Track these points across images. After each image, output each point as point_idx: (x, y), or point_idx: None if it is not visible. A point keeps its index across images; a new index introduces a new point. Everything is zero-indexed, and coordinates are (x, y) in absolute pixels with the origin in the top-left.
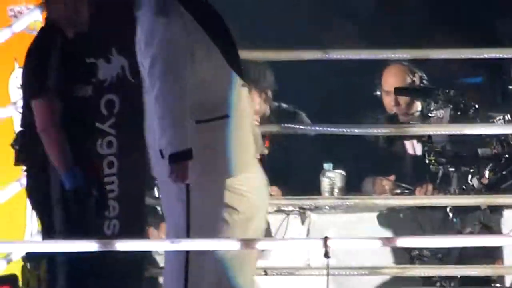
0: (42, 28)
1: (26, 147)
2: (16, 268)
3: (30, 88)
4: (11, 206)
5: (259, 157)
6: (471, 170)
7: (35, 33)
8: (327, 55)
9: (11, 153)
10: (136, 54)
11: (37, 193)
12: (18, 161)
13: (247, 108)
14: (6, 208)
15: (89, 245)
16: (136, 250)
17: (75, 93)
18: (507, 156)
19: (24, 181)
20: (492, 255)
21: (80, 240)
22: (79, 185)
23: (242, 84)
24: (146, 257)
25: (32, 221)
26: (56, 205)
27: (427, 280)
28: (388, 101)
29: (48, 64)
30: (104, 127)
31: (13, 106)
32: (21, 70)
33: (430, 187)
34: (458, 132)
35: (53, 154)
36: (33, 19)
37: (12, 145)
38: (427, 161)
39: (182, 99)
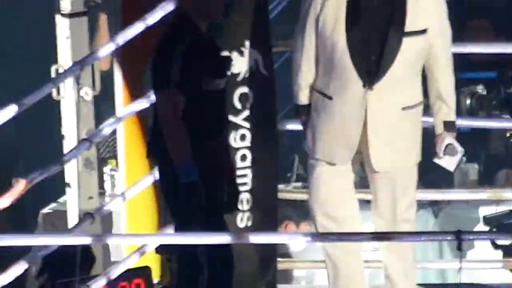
0: (171, 21)
1: (156, 140)
2: (149, 261)
3: (154, 80)
4: (144, 198)
5: None
6: None
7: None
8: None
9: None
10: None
11: (168, 185)
12: (149, 154)
13: None
14: (140, 200)
15: (222, 238)
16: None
17: (206, 86)
18: None
19: (157, 173)
20: None
21: (212, 232)
22: (194, 180)
23: None
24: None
25: (164, 214)
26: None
27: None
28: None
29: (174, 57)
30: (237, 120)
31: (147, 99)
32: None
33: None
34: None
35: (171, 146)
36: (166, 11)
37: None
38: None
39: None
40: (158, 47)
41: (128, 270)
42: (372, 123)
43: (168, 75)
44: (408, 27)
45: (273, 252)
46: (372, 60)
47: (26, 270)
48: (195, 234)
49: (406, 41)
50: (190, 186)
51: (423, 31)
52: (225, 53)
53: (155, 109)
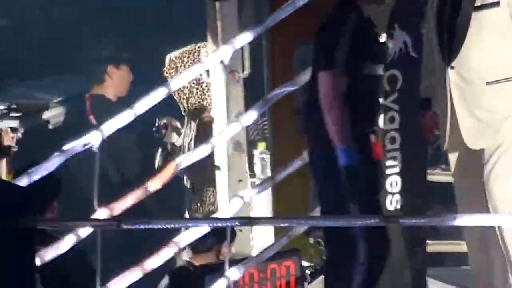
0: (339, 3)
1: (309, 119)
2: (298, 244)
3: (320, 61)
4: (294, 181)
5: None
6: None
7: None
8: None
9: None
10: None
11: (326, 168)
12: (300, 131)
13: None
14: (289, 183)
15: (372, 221)
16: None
17: (366, 71)
18: None
19: (305, 156)
20: None
21: (362, 215)
22: (354, 163)
23: None
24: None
25: (313, 196)
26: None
27: None
28: None
29: (340, 39)
30: (387, 103)
31: (297, 82)
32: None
33: None
34: None
35: (332, 128)
36: None
37: (296, 114)
38: None
39: None
40: (325, 30)
41: (278, 253)
42: (456, 102)
43: (333, 57)
44: (478, 1)
45: (421, 236)
46: (446, 37)
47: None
48: (344, 217)
49: (478, 15)
50: (351, 169)
51: (496, 4)
52: (383, 39)
53: (311, 91)
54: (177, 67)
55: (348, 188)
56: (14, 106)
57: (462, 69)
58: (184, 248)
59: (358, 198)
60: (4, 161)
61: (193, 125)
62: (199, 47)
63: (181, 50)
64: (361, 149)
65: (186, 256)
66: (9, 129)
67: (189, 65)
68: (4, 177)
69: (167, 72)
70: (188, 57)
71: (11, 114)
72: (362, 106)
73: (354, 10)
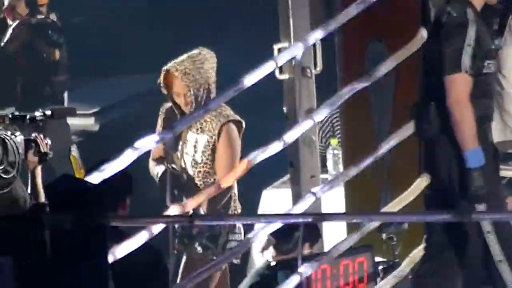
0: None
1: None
2: (371, 240)
3: (446, 63)
4: (366, 177)
5: None
6: None
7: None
8: None
9: None
10: None
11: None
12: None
13: None
14: (361, 179)
15: (444, 216)
16: None
17: (485, 69)
18: None
19: (377, 152)
20: None
21: (434, 211)
22: (481, 165)
23: None
24: None
25: (386, 191)
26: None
27: None
28: None
29: (465, 39)
30: None
31: (368, 78)
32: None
33: None
34: None
35: (460, 129)
36: None
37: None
38: None
39: None
40: (441, 28)
41: (351, 249)
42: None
43: (460, 58)
44: None
45: None
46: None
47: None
48: (416, 213)
49: None
50: (477, 170)
51: None
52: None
53: (428, 88)
54: (173, 77)
55: (477, 189)
56: (49, 112)
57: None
58: (267, 247)
59: (485, 196)
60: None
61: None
62: (199, 53)
63: (181, 58)
64: (484, 147)
65: (268, 256)
66: (42, 136)
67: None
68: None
69: (162, 84)
70: (194, 62)
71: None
72: (482, 105)
73: (470, 6)
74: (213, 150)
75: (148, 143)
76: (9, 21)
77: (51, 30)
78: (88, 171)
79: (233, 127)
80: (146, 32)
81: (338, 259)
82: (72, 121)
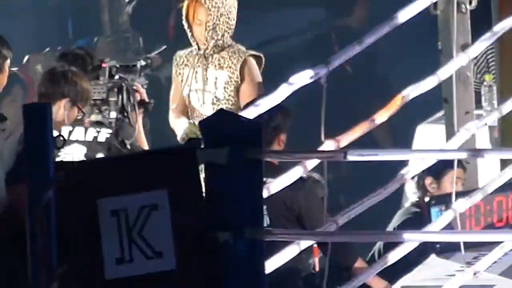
0: None
1: None
2: None
3: None
4: None
5: None
6: None
7: None
8: None
9: None
10: None
11: None
12: None
13: None
14: None
15: None
16: None
17: None
18: None
19: None
20: None
21: None
22: None
23: None
24: None
25: None
26: None
27: None
28: None
29: None
30: None
31: None
32: None
33: None
34: None
35: None
36: None
37: None
38: None
39: None
40: None
41: (505, 185)
42: None
43: None
44: None
45: None
46: None
47: None
48: None
49: None
50: None
51: None
52: None
53: None
54: (197, 4)
55: None
56: (145, 62)
57: None
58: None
59: None
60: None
61: None
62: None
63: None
64: None
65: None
66: (140, 85)
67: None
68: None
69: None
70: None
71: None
72: None
73: None
74: (236, 86)
75: (303, 78)
76: None
77: None
78: (244, 106)
79: (253, 61)
80: None
81: (492, 195)
82: None
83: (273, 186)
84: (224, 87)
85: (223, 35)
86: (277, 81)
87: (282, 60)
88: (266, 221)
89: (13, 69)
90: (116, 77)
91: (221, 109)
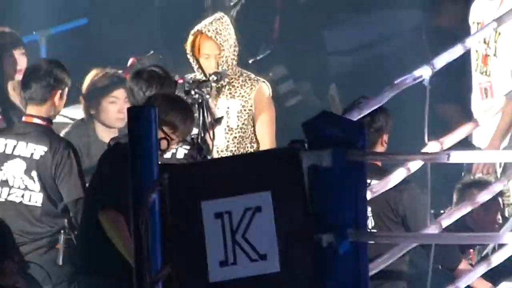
0: None
1: None
2: None
3: None
4: None
5: None
6: None
7: None
8: None
9: None
10: None
11: None
12: None
13: None
14: None
15: None
16: None
17: None
18: None
19: None
20: None
21: None
22: None
23: None
24: None
25: None
26: None
27: None
28: None
29: None
30: None
31: None
32: None
33: None
34: None
35: None
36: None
37: None
38: None
39: None
40: None
41: None
42: None
43: None
44: None
45: None
46: None
47: None
48: None
49: None
50: None
51: None
52: None
53: None
54: (205, 38)
55: None
56: (216, 77)
57: None
58: None
59: None
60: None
61: None
62: (222, 16)
63: (207, 21)
64: None
65: None
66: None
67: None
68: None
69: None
70: (222, 23)
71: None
72: None
73: None
74: (250, 115)
75: (406, 80)
76: None
77: None
78: (347, 108)
79: (266, 87)
80: None
81: None
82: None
83: (377, 187)
84: (238, 116)
85: (233, 64)
86: (373, 84)
87: (379, 63)
88: (370, 222)
89: (119, 71)
90: (192, 92)
91: (325, 111)
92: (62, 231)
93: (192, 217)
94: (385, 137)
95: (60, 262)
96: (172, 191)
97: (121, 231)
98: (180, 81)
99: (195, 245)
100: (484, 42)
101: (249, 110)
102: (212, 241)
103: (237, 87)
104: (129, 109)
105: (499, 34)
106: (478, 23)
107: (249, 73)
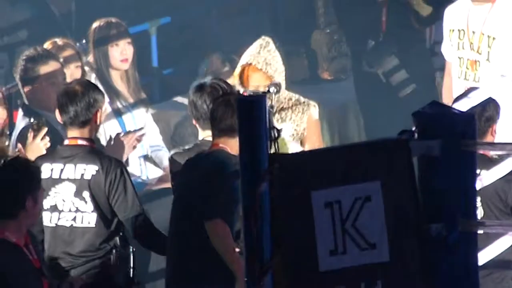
0: None
1: None
2: None
3: None
4: None
5: None
6: None
7: None
8: None
9: None
10: None
11: None
12: None
13: None
14: None
15: None
16: None
17: None
18: None
19: None
20: None
21: None
22: None
23: None
24: None
25: None
26: None
27: None
28: None
29: None
30: None
31: None
32: None
33: None
34: None
35: None
36: None
37: None
38: None
39: None
40: None
41: None
42: None
43: None
44: None
45: None
46: None
47: None
48: None
49: None
50: None
51: None
52: None
53: None
54: (254, 70)
55: None
56: (275, 89)
57: None
58: None
59: None
60: None
61: None
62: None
63: (253, 50)
64: None
65: None
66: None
67: None
68: None
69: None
70: (269, 52)
71: None
72: None
73: None
74: (301, 139)
75: None
76: None
77: None
78: (456, 98)
79: (316, 111)
80: None
81: None
82: None
83: (487, 178)
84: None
85: (283, 89)
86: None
87: None
88: (480, 213)
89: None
90: None
91: (435, 101)
92: (113, 250)
93: (302, 207)
94: (495, 127)
95: (114, 280)
96: (282, 180)
97: (228, 241)
98: (245, 94)
99: (305, 235)
100: (471, 48)
101: (301, 133)
102: (322, 230)
103: (288, 112)
104: (240, 99)
105: (494, 38)
106: (459, 30)
107: (298, 96)
